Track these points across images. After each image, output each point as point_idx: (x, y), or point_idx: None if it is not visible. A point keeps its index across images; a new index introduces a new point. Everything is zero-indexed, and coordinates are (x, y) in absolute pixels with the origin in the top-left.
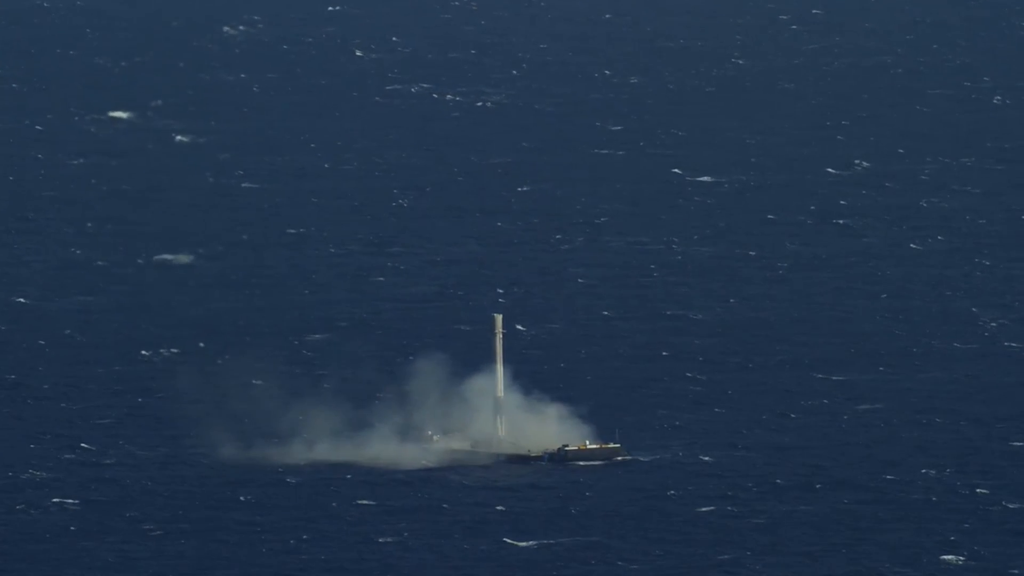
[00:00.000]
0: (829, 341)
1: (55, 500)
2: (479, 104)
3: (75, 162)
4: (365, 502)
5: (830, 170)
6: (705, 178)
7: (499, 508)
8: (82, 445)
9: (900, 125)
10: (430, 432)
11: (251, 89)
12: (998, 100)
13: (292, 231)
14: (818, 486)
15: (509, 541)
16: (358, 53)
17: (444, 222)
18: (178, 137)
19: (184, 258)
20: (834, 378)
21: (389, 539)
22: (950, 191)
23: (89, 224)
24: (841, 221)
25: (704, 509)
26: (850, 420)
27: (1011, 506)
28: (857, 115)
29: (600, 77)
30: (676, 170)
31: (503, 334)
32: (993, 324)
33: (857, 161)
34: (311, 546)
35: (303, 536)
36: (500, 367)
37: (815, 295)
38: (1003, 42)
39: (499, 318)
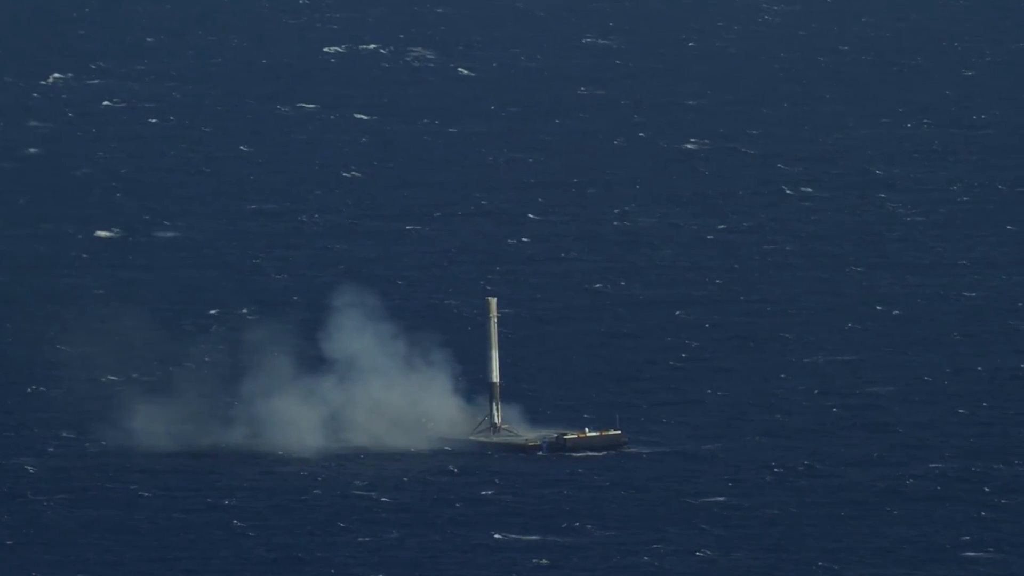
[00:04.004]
0: (827, 322)
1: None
2: (456, 71)
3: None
4: (358, 494)
5: (826, 137)
6: (690, 145)
7: (495, 500)
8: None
9: (892, 94)
10: (425, 419)
11: (206, 53)
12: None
13: (254, 203)
14: (819, 478)
15: (506, 535)
16: (322, 15)
17: (421, 195)
18: (121, 102)
19: (120, 232)
20: (835, 360)
21: (382, 532)
22: (945, 164)
23: (29, 197)
24: (840, 193)
25: (707, 500)
26: (853, 407)
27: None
28: (846, 84)
29: (583, 43)
30: (665, 139)
31: (497, 318)
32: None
33: (839, 134)
34: (303, 542)
35: (295, 532)
36: (495, 352)
37: (812, 274)
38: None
39: (493, 301)
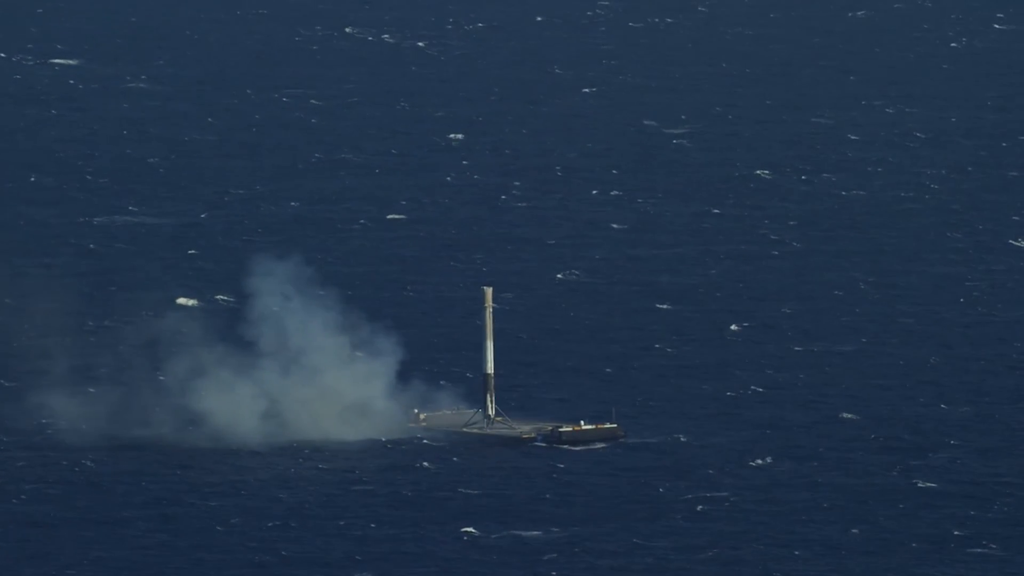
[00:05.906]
0: (821, 313)
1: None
2: (441, 55)
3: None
4: (353, 489)
5: (815, 120)
6: (678, 129)
7: (489, 494)
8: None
9: (885, 75)
10: (416, 410)
11: (183, 37)
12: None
13: (230, 189)
14: (817, 472)
15: (500, 530)
16: None
17: (405, 182)
18: (97, 86)
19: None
20: (830, 351)
21: (373, 527)
22: (940, 150)
23: (32, 178)
24: (831, 177)
25: (704, 495)
26: (849, 399)
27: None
28: (833, 63)
29: (564, 25)
30: (650, 121)
31: (493, 308)
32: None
33: (833, 113)
34: (294, 538)
35: (284, 527)
36: (490, 343)
37: (803, 259)
38: None
39: (489, 291)
